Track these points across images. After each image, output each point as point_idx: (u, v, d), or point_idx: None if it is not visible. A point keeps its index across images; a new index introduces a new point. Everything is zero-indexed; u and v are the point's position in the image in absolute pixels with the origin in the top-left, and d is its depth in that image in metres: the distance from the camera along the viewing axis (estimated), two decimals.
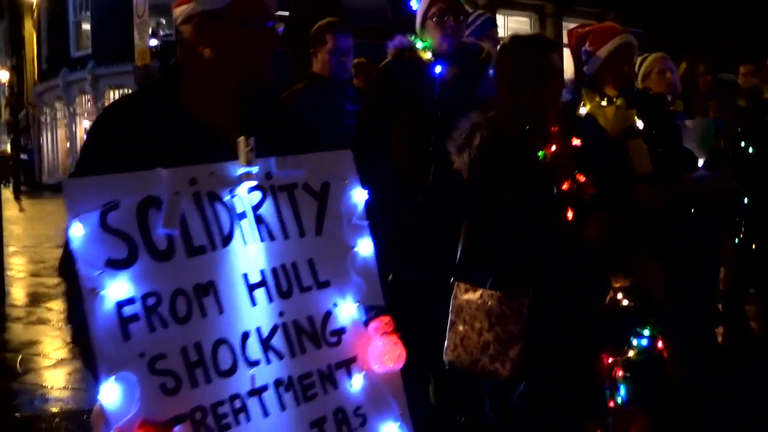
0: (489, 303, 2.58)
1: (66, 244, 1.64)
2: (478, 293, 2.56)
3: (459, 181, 2.78)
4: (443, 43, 3.36)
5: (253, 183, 1.79)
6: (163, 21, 23.61)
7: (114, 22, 24.22)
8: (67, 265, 1.69)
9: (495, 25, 4.02)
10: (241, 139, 1.78)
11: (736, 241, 4.41)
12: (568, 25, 19.12)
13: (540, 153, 2.63)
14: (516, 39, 2.90)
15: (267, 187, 1.83)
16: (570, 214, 2.59)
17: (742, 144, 4.73)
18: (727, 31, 21.73)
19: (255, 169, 1.79)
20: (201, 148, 1.83)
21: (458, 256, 2.76)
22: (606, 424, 2.31)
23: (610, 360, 2.44)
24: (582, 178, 2.63)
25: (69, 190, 1.59)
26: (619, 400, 2.40)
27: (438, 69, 3.35)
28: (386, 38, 3.44)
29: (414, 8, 3.46)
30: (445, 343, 2.74)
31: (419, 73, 3.33)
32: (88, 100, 29.88)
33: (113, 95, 25.88)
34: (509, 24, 18.53)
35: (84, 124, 30.15)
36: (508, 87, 2.78)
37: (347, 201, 1.96)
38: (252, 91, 1.97)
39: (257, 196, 1.82)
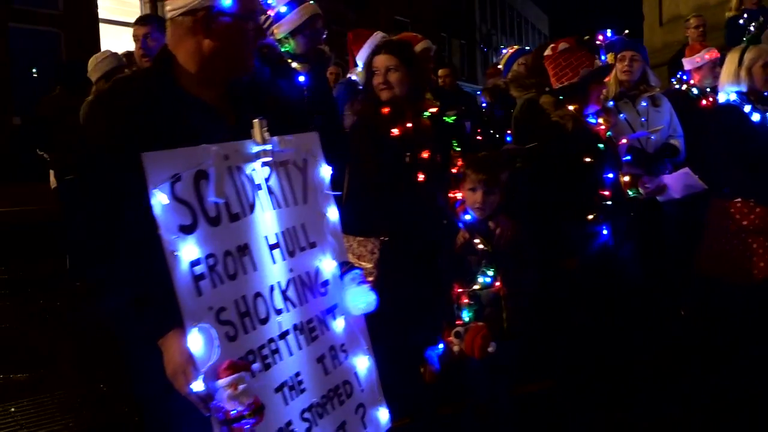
0: (351, 245, 3.17)
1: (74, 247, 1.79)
2: (347, 239, 3.07)
3: None
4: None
5: (269, 159, 2.08)
6: None
7: None
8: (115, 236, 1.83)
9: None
10: (257, 121, 2.06)
11: None
12: None
13: (395, 129, 3.25)
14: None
15: (272, 162, 2.13)
16: (421, 177, 3.25)
17: None
18: None
19: (269, 147, 2.08)
20: (206, 125, 2.05)
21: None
22: (459, 333, 3.01)
23: (459, 290, 3.15)
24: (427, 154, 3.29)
25: (148, 162, 1.74)
26: (466, 318, 3.12)
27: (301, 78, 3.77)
28: None
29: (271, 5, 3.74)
30: None
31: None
32: None
33: None
34: None
35: None
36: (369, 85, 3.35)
37: (319, 175, 2.33)
38: (239, 75, 2.21)
39: (267, 170, 2.11)
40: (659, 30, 10.33)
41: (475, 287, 3.18)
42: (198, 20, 2.05)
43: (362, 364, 2.35)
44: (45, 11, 15.12)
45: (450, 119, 3.78)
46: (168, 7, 2.11)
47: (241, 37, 2.12)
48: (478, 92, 7.46)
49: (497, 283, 3.18)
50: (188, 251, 1.80)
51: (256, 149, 2.06)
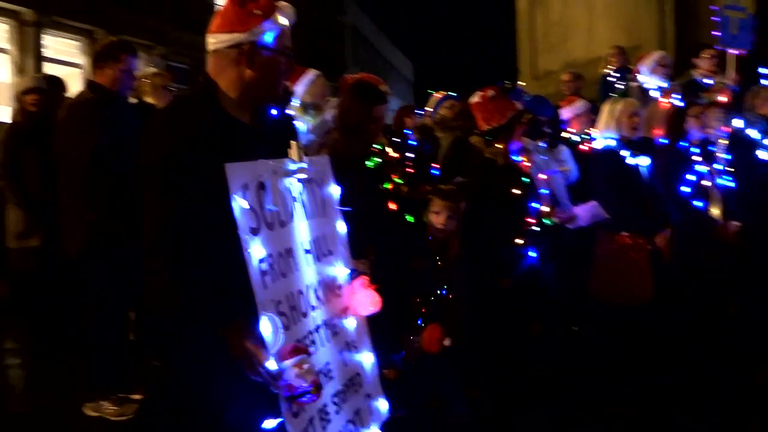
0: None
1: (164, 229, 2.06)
2: None
3: None
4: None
5: (304, 176, 2.40)
6: None
7: None
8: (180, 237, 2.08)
9: None
10: (294, 143, 2.38)
11: None
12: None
13: (369, 162, 3.60)
14: (357, 88, 3.77)
15: (304, 179, 2.44)
16: (392, 206, 3.63)
17: None
18: None
19: (304, 165, 2.40)
20: (245, 143, 2.33)
21: None
22: (417, 332, 3.42)
23: (418, 300, 3.55)
24: (397, 180, 3.67)
25: (230, 172, 2.02)
26: (422, 324, 3.52)
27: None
28: None
29: None
30: None
31: None
32: None
33: None
34: (57, 45, 17.87)
35: None
36: (345, 123, 3.66)
37: (331, 192, 2.66)
38: (270, 101, 2.51)
39: (300, 185, 2.42)
40: (534, 83, 11.41)
41: (431, 298, 3.59)
42: (243, 53, 2.34)
43: (368, 359, 2.68)
44: None
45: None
46: (212, 40, 2.38)
47: (276, 69, 2.43)
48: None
49: (448, 295, 3.61)
50: (257, 250, 2.07)
51: (293, 166, 2.37)
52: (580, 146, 5.98)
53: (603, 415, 4.25)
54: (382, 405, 2.72)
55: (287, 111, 4.33)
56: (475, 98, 4.50)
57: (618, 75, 8.11)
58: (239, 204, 2.02)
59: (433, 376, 3.58)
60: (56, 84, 5.66)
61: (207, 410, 2.26)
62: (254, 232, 2.09)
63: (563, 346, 5.25)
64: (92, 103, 3.93)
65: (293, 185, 2.38)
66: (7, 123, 5.46)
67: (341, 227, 2.68)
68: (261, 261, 2.09)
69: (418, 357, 3.47)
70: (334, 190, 2.68)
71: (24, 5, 16.32)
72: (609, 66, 8.54)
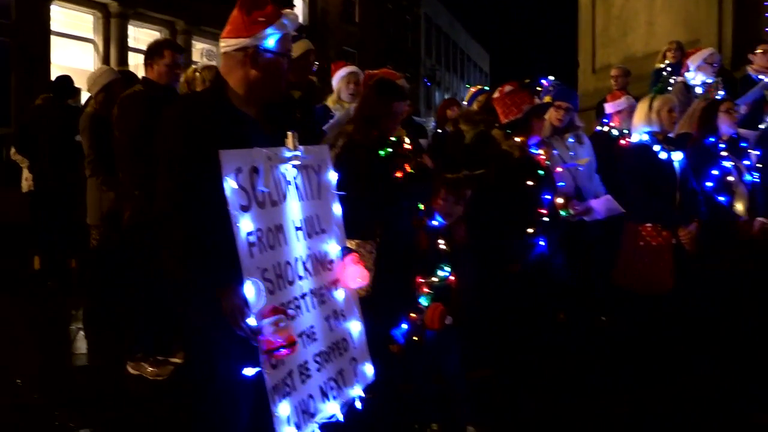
0: (354, 247, 3.80)
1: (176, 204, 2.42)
2: (352, 242, 3.70)
3: None
4: None
5: (298, 162, 2.74)
6: None
7: None
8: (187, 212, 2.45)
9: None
10: (290, 133, 2.73)
11: None
12: (196, 44, 20.37)
13: (381, 152, 3.92)
14: (380, 83, 4.09)
15: (299, 165, 2.78)
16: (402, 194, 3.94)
17: None
18: None
19: (299, 153, 2.74)
20: (251, 134, 2.69)
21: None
22: (421, 310, 3.71)
23: (420, 280, 3.85)
24: (408, 169, 3.97)
25: (224, 157, 2.38)
26: (425, 304, 3.80)
27: None
28: None
29: None
30: None
31: None
32: None
33: None
34: (140, 36, 18.81)
35: None
36: (363, 113, 3.98)
37: (329, 178, 2.99)
38: (275, 98, 2.86)
39: (294, 171, 2.76)
40: (592, 77, 11.43)
41: (434, 279, 3.87)
42: (248, 55, 2.70)
43: (355, 327, 3.01)
44: None
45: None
46: (223, 44, 2.75)
47: (278, 69, 2.77)
48: (432, 123, 8.24)
49: (451, 277, 3.89)
50: (245, 224, 2.43)
51: (288, 154, 2.72)
52: (620, 141, 6.12)
53: (609, 404, 4.45)
54: (368, 369, 3.05)
55: (314, 103, 4.72)
56: (496, 93, 4.75)
57: (670, 70, 8.11)
58: (229, 185, 2.38)
59: (434, 353, 3.87)
60: (130, 78, 6.13)
61: (206, 363, 2.64)
62: (244, 209, 2.45)
63: (587, 335, 5.45)
64: (141, 95, 4.40)
65: (288, 170, 2.73)
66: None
67: (337, 209, 3.02)
68: (249, 234, 2.44)
69: (420, 334, 3.77)
70: (332, 176, 3.01)
71: None
72: (665, 60, 8.52)
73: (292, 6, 24.15)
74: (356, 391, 2.97)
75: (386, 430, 3.90)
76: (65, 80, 7.25)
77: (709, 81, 6.78)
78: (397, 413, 3.92)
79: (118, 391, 4.39)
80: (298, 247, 2.72)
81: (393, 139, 4.03)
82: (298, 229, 2.74)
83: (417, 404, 3.98)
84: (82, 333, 5.73)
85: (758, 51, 7.52)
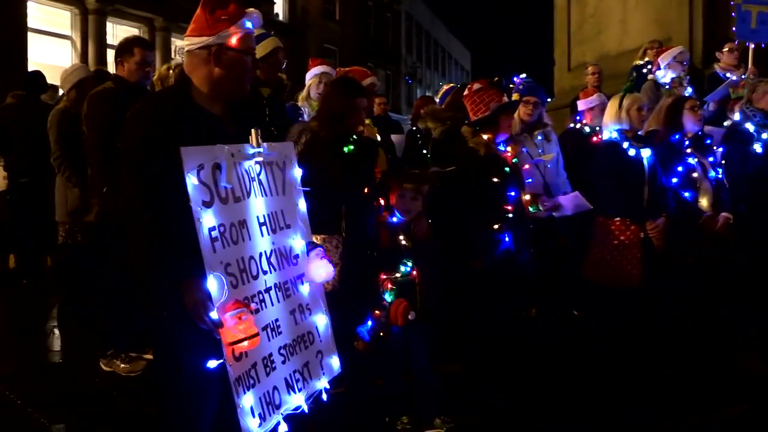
0: (319, 242, 3.86)
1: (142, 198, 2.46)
2: (318, 237, 3.77)
3: None
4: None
5: (261, 159, 2.79)
6: None
7: None
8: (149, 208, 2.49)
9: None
10: (254, 130, 2.78)
11: None
12: (175, 41, 20.24)
13: (345, 148, 3.99)
14: (339, 81, 4.16)
15: (262, 162, 2.83)
16: (365, 189, 4.01)
17: None
18: None
19: (261, 150, 2.80)
20: (215, 132, 2.73)
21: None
22: (384, 307, 3.77)
23: (384, 277, 3.91)
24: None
25: (185, 154, 2.43)
26: (389, 299, 3.86)
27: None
28: None
29: None
30: None
31: None
32: None
33: None
34: (118, 32, 18.70)
35: None
36: (327, 110, 4.05)
37: (294, 174, 3.05)
38: (239, 96, 2.91)
39: (258, 167, 2.81)
40: (568, 75, 11.55)
41: (397, 275, 3.94)
42: (211, 53, 2.74)
43: (321, 321, 3.07)
44: None
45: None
46: (186, 42, 2.80)
47: (241, 67, 2.82)
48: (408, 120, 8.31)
49: (414, 272, 3.95)
50: (208, 220, 2.48)
51: (252, 151, 2.77)
52: (591, 138, 6.22)
53: (580, 397, 4.53)
54: (335, 362, 3.11)
55: (284, 101, 4.77)
56: (465, 91, 4.82)
57: (650, 67, 8.21)
58: (191, 181, 2.43)
59: (401, 349, 3.93)
60: (103, 77, 6.11)
61: (171, 356, 2.69)
62: (207, 205, 2.50)
63: (560, 329, 5.55)
64: (110, 92, 4.43)
65: (252, 167, 2.78)
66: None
67: (302, 205, 3.07)
68: (212, 229, 2.49)
69: (385, 330, 3.83)
70: (297, 173, 3.07)
71: None
72: (645, 58, 8.62)
73: (272, 4, 24.13)
74: (322, 383, 3.03)
75: (358, 423, 3.97)
76: (37, 76, 7.22)
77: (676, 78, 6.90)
78: (368, 406, 3.99)
79: (91, 388, 4.42)
80: (262, 242, 2.78)
81: (354, 137, 4.10)
82: (262, 224, 2.79)
83: (387, 398, 4.05)
84: (56, 331, 5.74)
85: (725, 49, 7.67)
